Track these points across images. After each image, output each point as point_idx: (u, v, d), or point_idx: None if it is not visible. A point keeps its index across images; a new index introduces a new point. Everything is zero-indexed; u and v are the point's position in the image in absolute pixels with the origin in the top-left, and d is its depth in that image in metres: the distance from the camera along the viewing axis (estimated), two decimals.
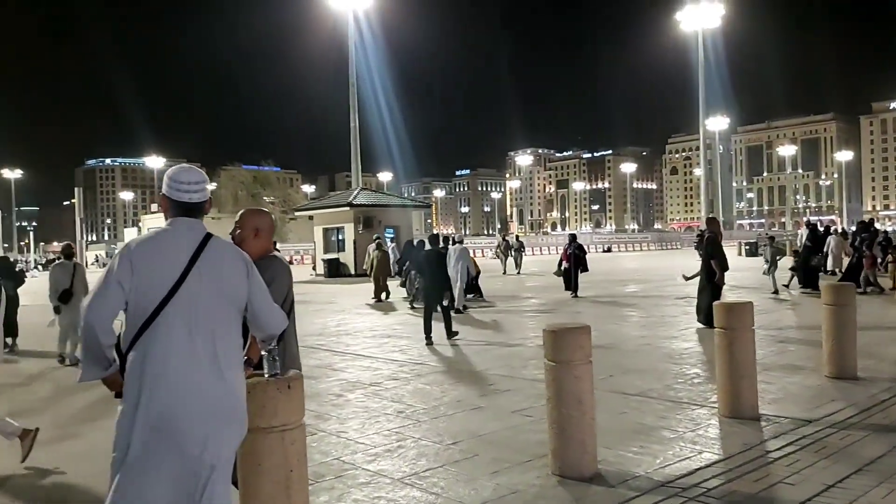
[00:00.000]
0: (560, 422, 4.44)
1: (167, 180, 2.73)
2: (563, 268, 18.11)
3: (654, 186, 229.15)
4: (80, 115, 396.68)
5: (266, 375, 3.19)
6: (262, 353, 3.15)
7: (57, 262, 10.37)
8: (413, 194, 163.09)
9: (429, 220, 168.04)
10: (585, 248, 20.71)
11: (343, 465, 4.96)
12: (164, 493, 2.49)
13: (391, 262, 20.02)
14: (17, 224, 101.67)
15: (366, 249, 19.12)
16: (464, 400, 6.84)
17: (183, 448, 2.50)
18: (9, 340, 10.96)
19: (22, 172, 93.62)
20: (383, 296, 18.13)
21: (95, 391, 6.96)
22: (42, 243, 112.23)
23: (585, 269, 17.96)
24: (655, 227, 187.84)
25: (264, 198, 69.73)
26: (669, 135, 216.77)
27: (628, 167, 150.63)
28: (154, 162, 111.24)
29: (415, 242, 19.23)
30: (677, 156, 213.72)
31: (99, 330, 2.51)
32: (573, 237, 18.96)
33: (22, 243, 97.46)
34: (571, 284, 17.43)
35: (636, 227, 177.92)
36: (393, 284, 19.17)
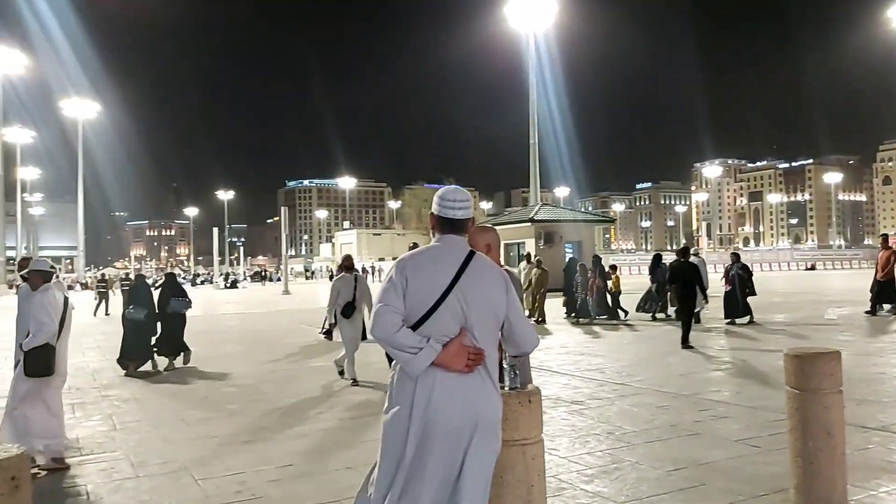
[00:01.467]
0: (806, 455, 4.04)
1: (437, 199, 2.91)
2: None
3: (864, 198, 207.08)
4: (284, 141, 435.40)
5: (507, 388, 3.21)
6: (504, 366, 3.19)
7: (338, 275, 9.73)
8: (590, 209, 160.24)
9: (606, 236, 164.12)
10: (751, 267, 18.61)
11: (560, 483, 4.88)
12: (431, 498, 2.60)
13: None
14: (229, 240, 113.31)
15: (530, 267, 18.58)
16: (678, 424, 6.50)
17: (450, 458, 2.60)
18: (176, 360, 11.28)
19: (234, 194, 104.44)
20: (535, 316, 17.13)
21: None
22: (249, 257, 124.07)
23: (752, 293, 15.96)
24: (865, 242, 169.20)
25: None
26: (881, 141, 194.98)
27: (832, 177, 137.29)
28: (346, 182, 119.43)
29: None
30: (891, 164, 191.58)
31: (393, 341, 2.63)
32: (736, 256, 17.09)
33: (232, 257, 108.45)
34: (737, 309, 15.54)
35: (842, 242, 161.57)
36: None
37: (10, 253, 67.57)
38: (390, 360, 2.83)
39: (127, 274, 37.79)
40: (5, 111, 53.57)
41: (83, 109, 65.49)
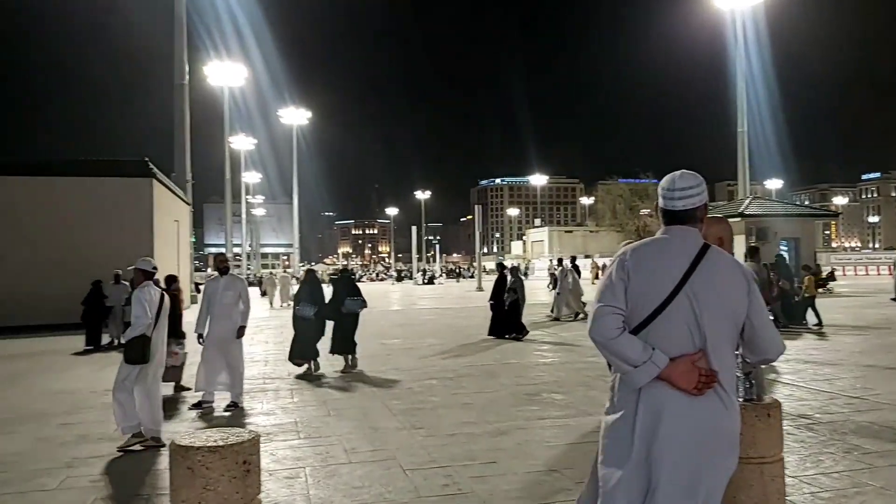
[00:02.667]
0: None
1: (659, 190, 2.60)
2: None
3: None
4: (477, 141, 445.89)
5: (741, 399, 2.86)
6: (738, 375, 2.83)
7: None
8: (806, 202, 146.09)
9: (826, 232, 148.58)
10: None
11: None
12: None
13: None
14: (426, 238, 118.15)
15: None
16: None
17: (678, 474, 2.32)
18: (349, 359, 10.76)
19: (430, 193, 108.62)
20: None
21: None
22: (444, 254, 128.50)
23: None
24: None
25: (642, 210, 69.40)
26: None
27: None
28: (537, 180, 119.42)
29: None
30: None
31: (613, 347, 2.38)
32: None
33: (429, 254, 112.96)
34: None
35: None
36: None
37: (237, 249, 75.67)
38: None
39: (344, 266, 40.45)
40: (230, 121, 59.94)
41: (297, 117, 71.71)
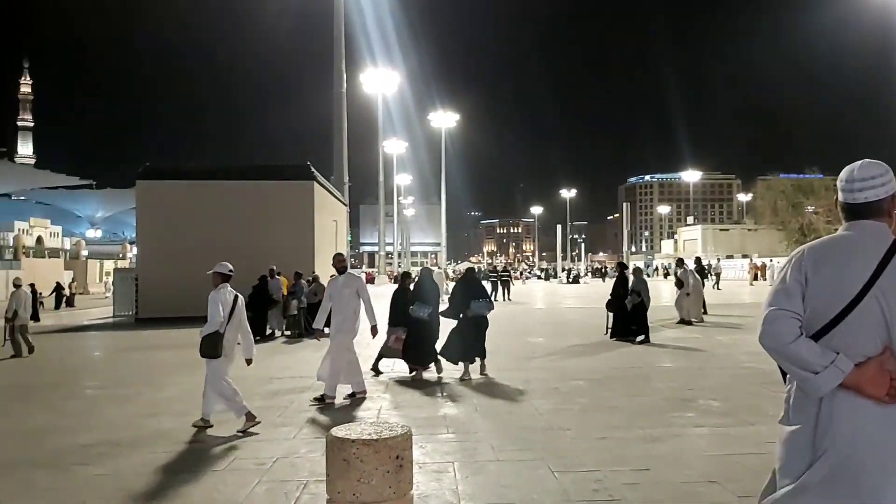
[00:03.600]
0: None
1: (838, 183, 2.35)
2: None
3: None
4: (625, 138, 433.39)
5: None
6: None
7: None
8: None
9: None
10: None
11: None
12: None
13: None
14: (570, 236, 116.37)
15: None
16: None
17: (867, 497, 2.06)
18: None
19: (575, 192, 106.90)
20: None
21: None
22: (589, 253, 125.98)
23: None
24: None
25: (807, 208, 64.32)
26: None
27: None
28: (689, 176, 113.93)
29: None
30: None
31: (788, 353, 2.16)
32: None
33: (573, 253, 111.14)
34: None
35: None
36: None
37: (389, 248, 78.48)
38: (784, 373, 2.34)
39: (498, 266, 40.54)
40: (384, 126, 62.19)
41: (445, 120, 73.20)
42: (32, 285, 24.65)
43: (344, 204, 31.38)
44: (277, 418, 7.35)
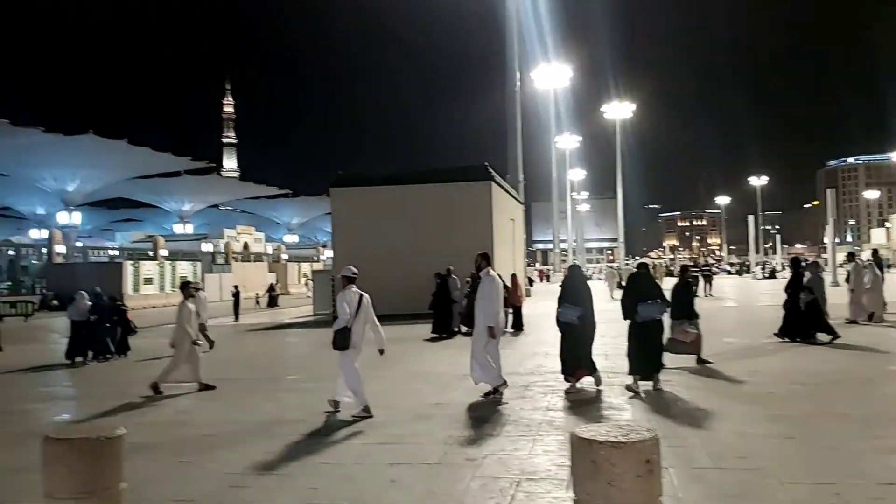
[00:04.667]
0: None
1: None
2: None
3: None
4: (824, 117, 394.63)
5: None
6: None
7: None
8: None
9: None
10: None
11: None
12: None
13: None
14: (763, 228, 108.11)
15: None
16: None
17: None
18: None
19: (766, 179, 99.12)
20: None
21: None
22: (785, 245, 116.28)
23: None
24: None
25: None
26: None
27: None
28: None
29: None
30: None
31: None
32: None
33: (766, 246, 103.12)
34: None
35: None
36: None
37: (563, 245, 77.71)
38: None
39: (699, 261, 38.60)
40: (556, 121, 61.63)
41: (620, 111, 71.08)
42: (235, 286, 27.36)
43: (519, 202, 31.51)
44: (479, 415, 7.50)
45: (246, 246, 66.48)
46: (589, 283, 9.38)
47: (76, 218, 52.98)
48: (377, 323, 7.78)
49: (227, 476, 5.62)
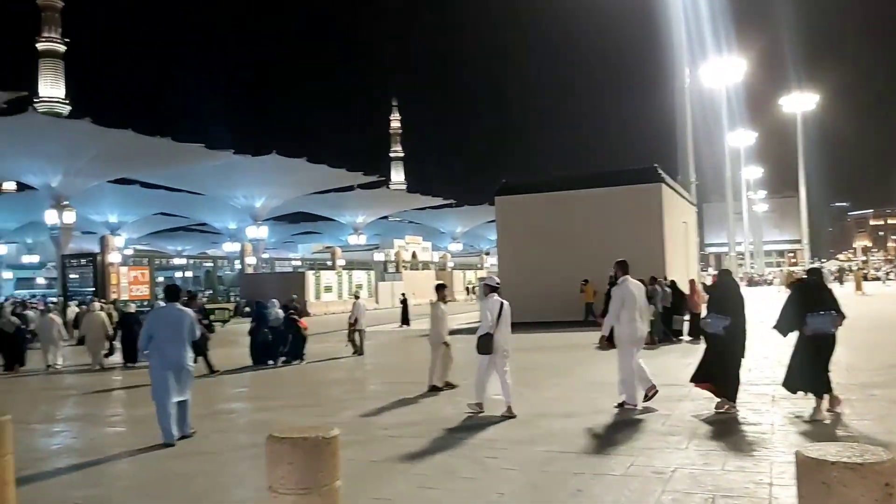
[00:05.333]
0: None
1: None
2: None
3: None
4: None
5: None
6: None
7: None
8: None
9: None
10: None
11: None
12: None
13: None
14: None
15: None
16: None
17: None
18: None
19: None
20: None
21: None
22: None
23: None
24: None
25: None
26: None
27: None
28: None
29: None
30: None
31: None
32: None
33: None
34: None
35: None
36: None
37: (739, 248, 73.03)
38: None
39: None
40: (728, 117, 58.11)
41: (801, 102, 65.72)
42: (403, 294, 28.37)
43: (692, 204, 30.04)
44: (661, 426, 7.22)
45: (414, 255, 68.91)
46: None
47: (263, 232, 57.66)
48: (509, 330, 8.37)
49: (416, 476, 5.83)
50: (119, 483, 6.32)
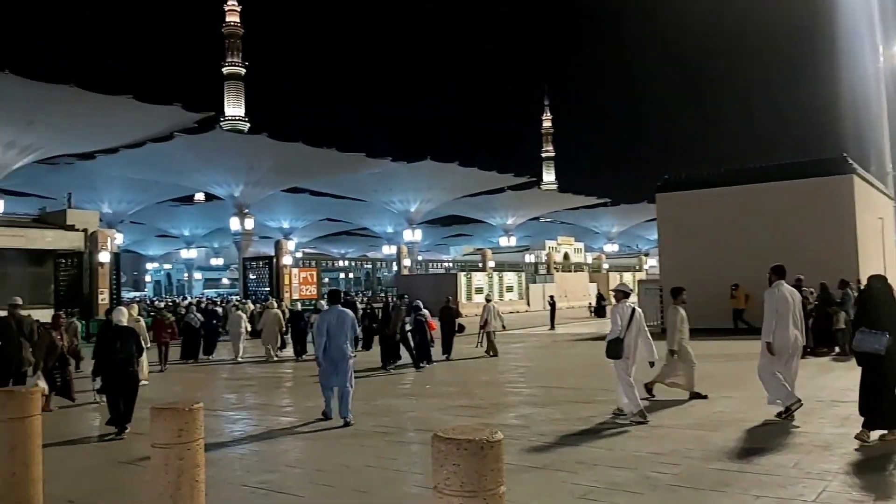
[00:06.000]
0: None
1: None
2: None
3: None
4: None
5: None
6: None
7: None
8: None
9: None
10: None
11: None
12: None
13: None
14: None
15: None
16: None
17: None
18: None
19: None
20: None
21: None
22: None
23: None
24: None
25: None
26: None
27: None
28: None
29: None
30: None
31: None
32: None
33: None
34: None
35: None
36: None
37: None
38: None
39: None
40: None
41: None
42: (552, 296, 27.92)
43: (889, 197, 27.00)
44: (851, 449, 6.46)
45: (566, 256, 67.96)
46: None
47: (418, 235, 59.43)
48: (649, 336, 8.40)
49: (575, 487, 5.63)
50: (293, 470, 6.66)
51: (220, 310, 23.19)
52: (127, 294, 54.88)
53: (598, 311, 34.23)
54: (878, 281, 7.21)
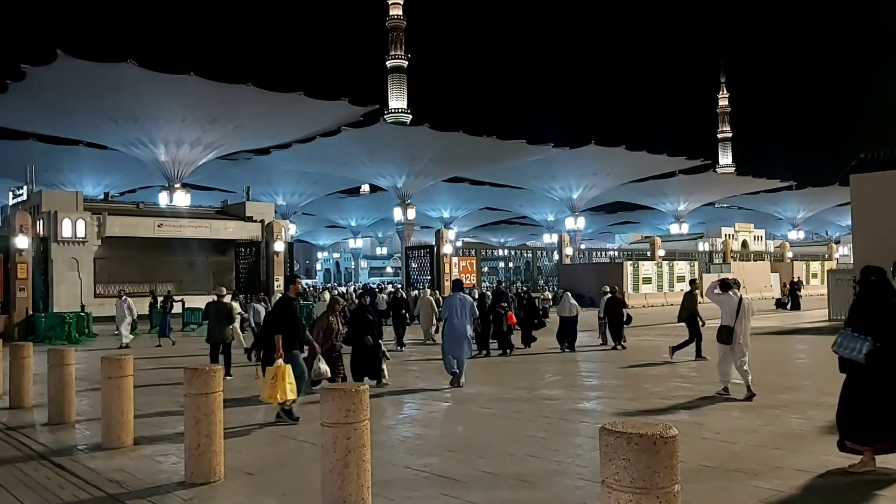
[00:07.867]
0: None
1: None
2: None
3: None
4: None
5: None
6: None
7: None
8: None
9: None
10: None
11: None
12: None
13: None
14: None
15: None
16: None
17: None
18: None
19: None
20: None
21: None
22: None
23: None
24: None
25: None
26: None
27: None
28: None
29: None
30: None
31: None
32: None
33: None
34: None
35: None
36: None
37: None
38: None
39: None
40: None
41: None
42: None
43: None
44: None
45: (745, 244, 63.65)
46: None
47: (580, 223, 58.17)
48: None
49: (756, 489, 5.17)
50: (455, 455, 6.67)
51: (382, 296, 24.14)
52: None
53: (794, 302, 31.32)
54: (874, 271, 5.81)
